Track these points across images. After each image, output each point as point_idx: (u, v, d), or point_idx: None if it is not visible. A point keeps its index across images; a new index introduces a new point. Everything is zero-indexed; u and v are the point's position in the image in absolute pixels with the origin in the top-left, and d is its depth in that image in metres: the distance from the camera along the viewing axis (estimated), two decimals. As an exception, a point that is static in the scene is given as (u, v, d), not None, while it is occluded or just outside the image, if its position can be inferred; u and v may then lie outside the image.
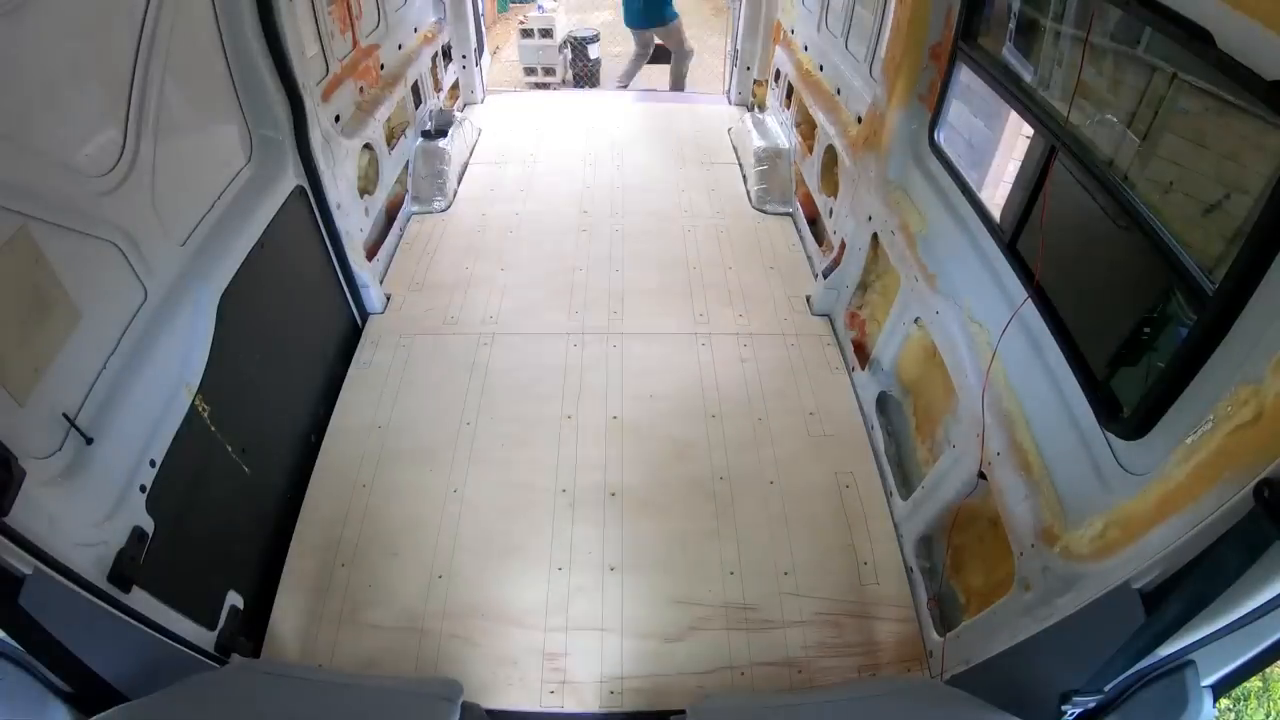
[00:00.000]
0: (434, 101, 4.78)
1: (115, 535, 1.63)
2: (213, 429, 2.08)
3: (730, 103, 5.79)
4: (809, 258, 3.92)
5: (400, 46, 4.18)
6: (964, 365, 2.12)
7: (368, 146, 3.60)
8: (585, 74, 8.96)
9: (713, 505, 2.61)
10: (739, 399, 3.02)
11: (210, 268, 2.13)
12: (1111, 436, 1.55)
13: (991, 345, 2.00)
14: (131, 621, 1.60)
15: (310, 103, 2.68)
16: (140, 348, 1.84)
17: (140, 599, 1.66)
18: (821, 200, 3.89)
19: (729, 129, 5.23)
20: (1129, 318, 1.67)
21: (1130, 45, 1.75)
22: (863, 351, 3.15)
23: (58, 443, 1.56)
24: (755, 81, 5.56)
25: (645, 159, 4.86)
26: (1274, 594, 1.07)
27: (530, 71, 9.47)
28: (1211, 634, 1.20)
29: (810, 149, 4.10)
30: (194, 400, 1.98)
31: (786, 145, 4.53)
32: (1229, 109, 1.45)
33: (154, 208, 1.92)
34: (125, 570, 1.60)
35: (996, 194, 2.72)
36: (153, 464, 1.79)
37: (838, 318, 3.39)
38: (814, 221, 4.12)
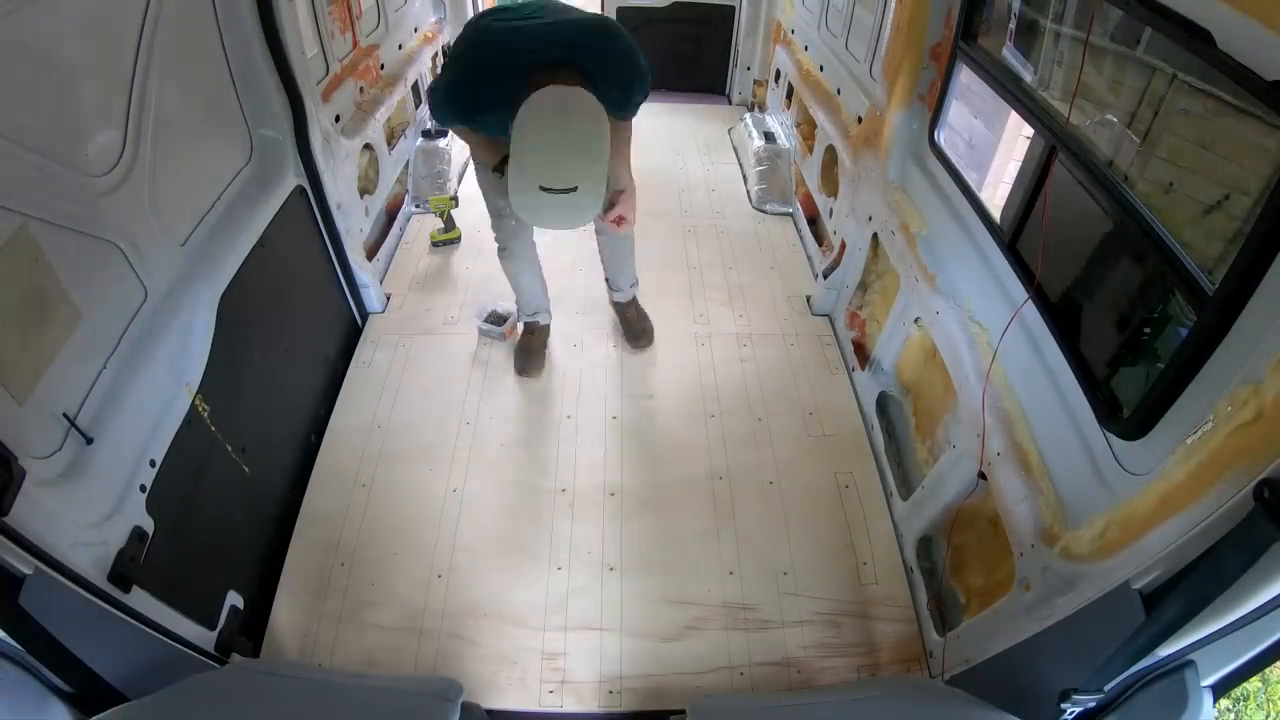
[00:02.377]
0: (434, 101, 4.78)
1: (115, 535, 1.63)
2: (213, 429, 2.08)
3: (730, 103, 5.80)
4: (809, 258, 3.92)
5: (400, 46, 4.18)
6: (964, 365, 2.12)
7: (368, 146, 3.60)
8: (585, 74, 8.96)
9: (712, 505, 2.61)
10: (738, 399, 3.03)
11: (210, 268, 2.13)
12: (1111, 436, 1.55)
13: (992, 345, 2.01)
14: (131, 621, 1.59)
15: (310, 103, 2.68)
16: (140, 348, 1.84)
17: (140, 599, 1.66)
18: (821, 200, 3.89)
19: (729, 129, 5.23)
20: (1129, 318, 1.67)
21: (1130, 45, 1.76)
22: (863, 351, 3.15)
23: (58, 443, 1.56)
24: (755, 81, 5.57)
25: (645, 159, 4.83)
26: (1274, 594, 1.06)
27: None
28: (1211, 634, 1.19)
29: (810, 149, 4.11)
30: (194, 400, 1.98)
31: (786, 145, 4.53)
32: (1229, 109, 1.45)
33: (154, 207, 1.92)
34: (125, 570, 1.60)
35: (996, 194, 2.73)
36: (153, 464, 1.79)
37: (838, 318, 3.39)
38: (814, 221, 4.12)
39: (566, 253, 3.85)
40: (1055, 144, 1.83)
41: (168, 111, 1.95)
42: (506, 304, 3.34)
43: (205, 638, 1.94)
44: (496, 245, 2.85)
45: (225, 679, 1.77)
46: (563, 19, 2.00)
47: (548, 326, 3.18)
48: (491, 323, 3.25)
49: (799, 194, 4.31)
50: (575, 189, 1.71)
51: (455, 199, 3.92)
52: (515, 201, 1.79)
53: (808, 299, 3.59)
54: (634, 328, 3.22)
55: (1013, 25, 2.27)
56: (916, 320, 2.55)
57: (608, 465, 2.74)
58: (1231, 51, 1.26)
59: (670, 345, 3.30)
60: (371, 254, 3.54)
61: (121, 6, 1.81)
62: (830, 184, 3.82)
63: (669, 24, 5.65)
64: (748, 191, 4.52)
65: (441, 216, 3.85)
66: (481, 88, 1.98)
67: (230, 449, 2.18)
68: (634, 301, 3.23)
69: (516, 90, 1.81)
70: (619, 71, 2.02)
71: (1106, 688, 1.32)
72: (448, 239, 3.91)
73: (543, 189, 1.70)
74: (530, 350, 3.10)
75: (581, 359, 3.19)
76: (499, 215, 2.71)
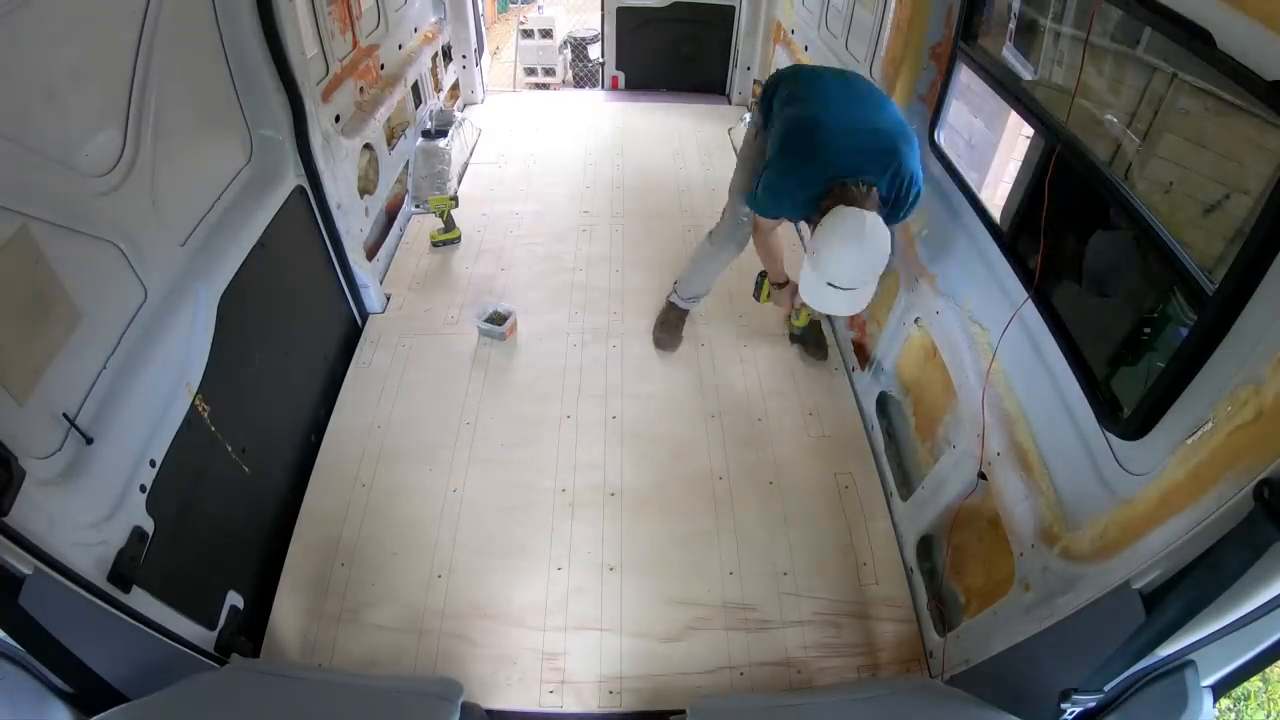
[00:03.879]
0: (434, 101, 4.78)
1: (115, 535, 1.63)
2: (213, 429, 2.08)
3: (730, 103, 5.80)
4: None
5: (400, 46, 4.18)
6: (964, 365, 2.12)
7: (368, 146, 3.60)
8: (585, 74, 8.98)
9: (712, 505, 2.61)
10: (738, 399, 3.03)
11: (210, 268, 2.13)
12: (1111, 436, 1.55)
13: (992, 345, 2.00)
14: (131, 621, 1.59)
15: (310, 103, 2.67)
16: (140, 348, 1.84)
17: (140, 599, 1.66)
18: (821, 200, 3.88)
19: (729, 129, 5.23)
20: (1129, 318, 1.68)
21: (1130, 45, 1.76)
22: (863, 352, 3.15)
23: (58, 443, 1.56)
24: (755, 81, 5.57)
25: (645, 159, 4.87)
26: (1274, 594, 1.07)
27: (530, 71, 9.49)
28: (1211, 634, 1.19)
29: (810, 149, 4.10)
30: (194, 400, 1.98)
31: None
32: (1229, 109, 1.45)
33: (154, 208, 1.92)
34: (125, 570, 1.60)
35: (996, 194, 2.73)
36: (153, 464, 1.79)
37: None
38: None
39: (567, 252, 3.86)
40: (1055, 144, 1.83)
41: (167, 111, 1.95)
42: (507, 304, 3.34)
43: (205, 638, 1.94)
44: (717, 235, 2.99)
45: (225, 679, 1.77)
46: (871, 133, 2.16)
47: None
48: (491, 322, 3.25)
49: (799, 194, 4.31)
50: (854, 289, 2.08)
51: (455, 199, 3.92)
52: (803, 287, 2.19)
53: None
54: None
55: (1013, 25, 2.27)
56: (916, 320, 2.55)
57: (608, 465, 2.74)
58: (1231, 51, 1.26)
59: (670, 345, 3.29)
60: (371, 254, 3.54)
61: (121, 6, 1.81)
62: (830, 184, 3.81)
63: (669, 24, 5.66)
64: (748, 191, 4.51)
65: (441, 216, 3.85)
66: (798, 191, 2.20)
67: (230, 449, 2.18)
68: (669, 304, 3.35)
69: (822, 193, 2.12)
70: (904, 199, 2.20)
71: (1107, 688, 1.32)
72: (448, 239, 3.92)
73: (829, 285, 2.07)
74: (678, 327, 3.29)
75: (581, 359, 3.19)
76: (740, 222, 2.84)
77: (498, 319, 3.27)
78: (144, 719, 1.38)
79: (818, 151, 2.14)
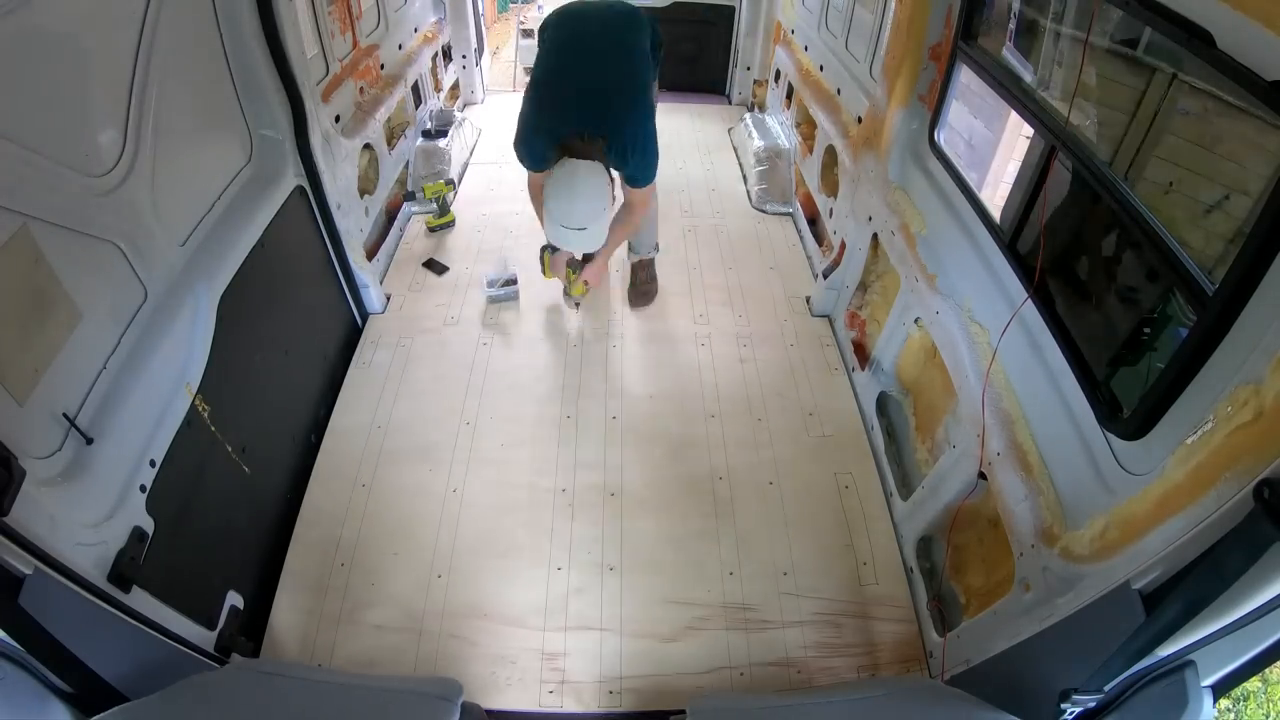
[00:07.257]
0: (434, 101, 4.78)
1: (115, 535, 1.63)
2: (213, 429, 2.08)
3: (730, 103, 5.80)
4: (809, 258, 3.92)
5: (400, 46, 4.18)
6: (964, 365, 2.12)
7: (368, 146, 3.60)
8: (585, 74, 8.95)
9: (712, 505, 2.61)
10: (738, 399, 3.03)
11: (210, 268, 2.13)
12: (1111, 436, 1.55)
13: (992, 345, 2.01)
14: (131, 621, 1.59)
15: (310, 103, 2.68)
16: (140, 347, 1.84)
17: (140, 599, 1.66)
18: (821, 200, 3.89)
19: (729, 129, 5.23)
20: (1129, 317, 1.68)
21: (1130, 45, 1.76)
22: (863, 352, 3.15)
23: (58, 443, 1.56)
24: (755, 81, 5.57)
25: (645, 159, 4.86)
26: (1274, 594, 1.06)
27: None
28: (1211, 634, 1.19)
29: (810, 149, 4.11)
30: (194, 400, 1.98)
31: (786, 145, 4.53)
32: (1229, 109, 1.45)
33: (154, 207, 1.92)
34: (125, 570, 1.60)
35: (996, 194, 2.73)
36: (153, 464, 1.79)
37: (838, 318, 3.39)
38: (814, 221, 4.12)
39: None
40: (1055, 144, 1.83)
41: (168, 111, 1.95)
42: (509, 269, 3.49)
43: (205, 638, 1.94)
44: None
45: (225, 679, 1.77)
46: (600, 93, 2.52)
47: None
48: (506, 285, 3.42)
49: (799, 194, 4.31)
50: (584, 229, 2.53)
51: (452, 182, 3.98)
52: (547, 229, 2.65)
53: (807, 299, 3.58)
54: (637, 287, 3.55)
55: (1013, 25, 2.27)
56: (916, 320, 2.55)
57: (608, 465, 2.74)
58: (1231, 51, 1.26)
59: (670, 345, 3.30)
60: (371, 254, 3.54)
61: (121, 7, 1.81)
62: (830, 184, 3.82)
63: (669, 24, 5.60)
64: (748, 191, 4.52)
65: (436, 202, 3.88)
66: (535, 144, 2.63)
67: (230, 449, 2.18)
68: (645, 263, 3.55)
69: (558, 143, 2.55)
70: (633, 155, 2.61)
71: (1106, 688, 1.32)
72: (442, 223, 3.99)
73: (562, 226, 2.53)
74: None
75: (581, 359, 3.19)
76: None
77: (510, 281, 3.43)
78: (144, 719, 1.38)
79: (554, 108, 2.55)
